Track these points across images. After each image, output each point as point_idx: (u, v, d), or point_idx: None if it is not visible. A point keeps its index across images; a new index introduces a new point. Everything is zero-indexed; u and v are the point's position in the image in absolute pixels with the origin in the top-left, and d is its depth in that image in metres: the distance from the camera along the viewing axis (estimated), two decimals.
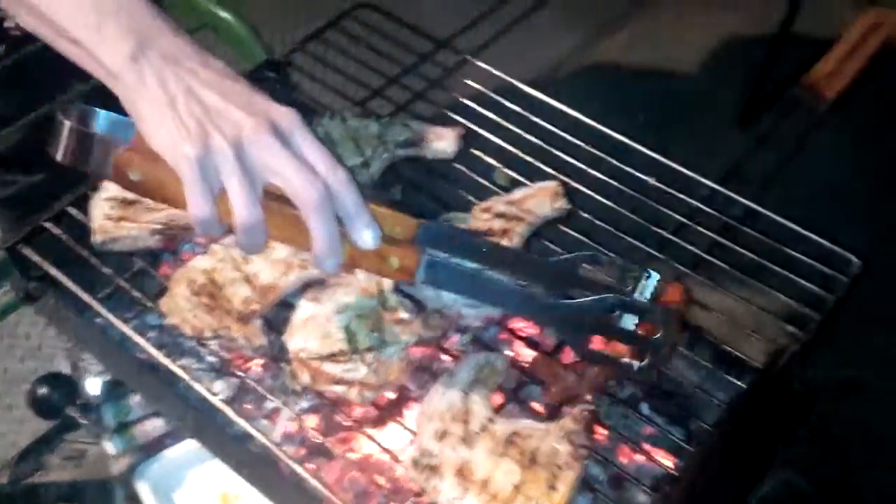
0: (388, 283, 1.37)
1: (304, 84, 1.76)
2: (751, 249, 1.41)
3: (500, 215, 1.46)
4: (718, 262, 1.41)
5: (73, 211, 1.52)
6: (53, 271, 1.44)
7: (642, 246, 1.44)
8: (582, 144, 1.56)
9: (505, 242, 1.41)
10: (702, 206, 1.48)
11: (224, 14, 1.83)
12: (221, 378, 1.47)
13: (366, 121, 1.61)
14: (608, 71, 2.66)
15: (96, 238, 1.47)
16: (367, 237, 1.06)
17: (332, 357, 1.30)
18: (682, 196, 1.49)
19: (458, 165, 1.58)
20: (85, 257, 1.46)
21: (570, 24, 2.82)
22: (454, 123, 1.62)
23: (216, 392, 1.37)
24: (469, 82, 1.70)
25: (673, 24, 2.84)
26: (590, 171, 1.54)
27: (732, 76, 2.59)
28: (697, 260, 1.42)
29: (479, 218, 1.46)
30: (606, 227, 1.47)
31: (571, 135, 1.58)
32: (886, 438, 2.00)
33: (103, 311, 1.40)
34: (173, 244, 1.48)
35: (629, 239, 1.45)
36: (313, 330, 1.33)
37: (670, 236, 1.46)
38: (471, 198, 1.52)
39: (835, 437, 1.78)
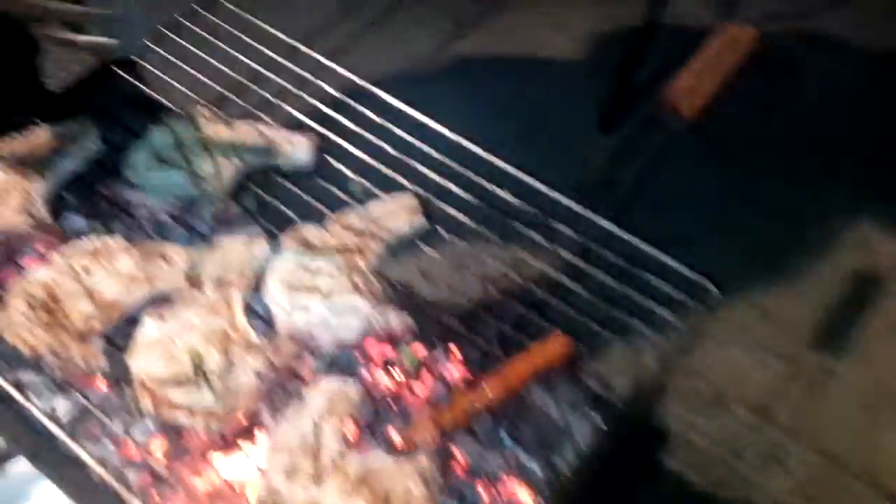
0: (237, 302, 1.34)
1: (155, 80, 1.69)
2: (610, 272, 1.43)
3: (356, 231, 1.44)
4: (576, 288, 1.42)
5: None
6: None
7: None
8: (440, 157, 1.55)
9: (359, 260, 1.40)
10: (562, 226, 1.49)
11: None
12: (64, 395, 1.41)
13: (217, 125, 1.55)
14: (468, 73, 2.64)
15: None
16: None
17: (176, 382, 1.26)
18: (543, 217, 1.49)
19: (313, 175, 1.55)
20: None
21: (429, 23, 2.78)
22: (310, 131, 1.59)
23: (56, 412, 1.31)
24: (325, 87, 1.66)
25: (533, 25, 2.85)
26: (448, 184, 1.53)
27: (595, 80, 2.63)
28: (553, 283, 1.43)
29: (335, 232, 1.44)
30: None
31: (430, 145, 1.57)
32: None
33: None
34: (11, 256, 1.40)
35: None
36: (157, 351, 1.29)
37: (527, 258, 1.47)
38: (326, 210, 1.50)
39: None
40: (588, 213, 1.50)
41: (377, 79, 1.67)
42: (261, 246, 1.40)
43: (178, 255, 1.39)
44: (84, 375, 1.33)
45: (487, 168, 1.55)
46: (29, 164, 1.47)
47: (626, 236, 1.47)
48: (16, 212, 1.41)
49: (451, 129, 1.59)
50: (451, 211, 1.50)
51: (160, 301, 1.36)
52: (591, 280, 1.43)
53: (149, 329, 1.31)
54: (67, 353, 1.28)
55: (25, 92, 2.44)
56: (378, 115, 1.61)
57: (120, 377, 1.30)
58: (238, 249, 1.40)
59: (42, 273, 1.35)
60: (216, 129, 1.55)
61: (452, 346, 1.38)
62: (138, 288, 1.35)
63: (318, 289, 1.36)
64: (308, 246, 1.41)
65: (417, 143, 1.57)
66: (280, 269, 1.38)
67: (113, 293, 1.34)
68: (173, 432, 1.29)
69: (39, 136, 1.52)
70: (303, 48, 1.73)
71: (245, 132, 1.55)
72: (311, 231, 1.44)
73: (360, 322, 1.34)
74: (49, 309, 1.31)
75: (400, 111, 1.62)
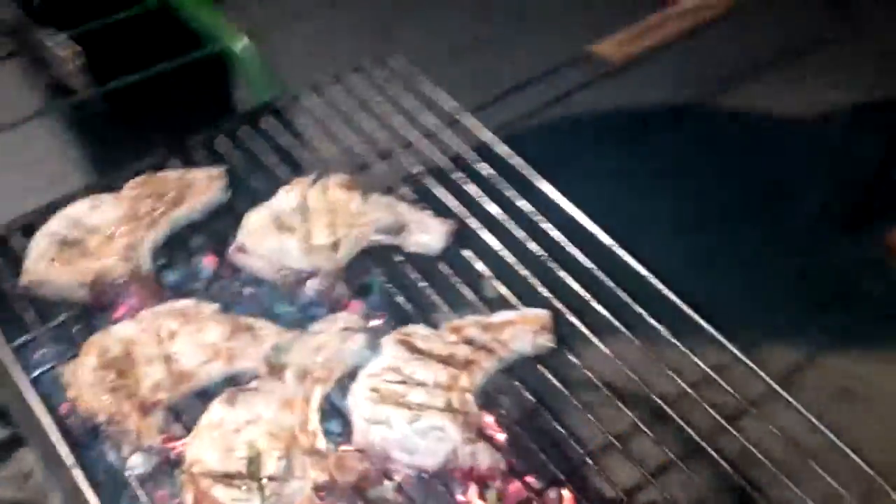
0: (315, 400, 1.18)
1: (307, 131, 1.58)
2: None
3: (469, 342, 1.24)
4: None
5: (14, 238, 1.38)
6: None
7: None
8: (591, 266, 1.32)
9: (464, 379, 1.19)
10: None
11: (242, 42, 1.66)
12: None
13: (351, 194, 1.41)
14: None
15: (22, 279, 1.32)
16: None
17: (226, 478, 1.11)
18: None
19: (442, 264, 1.37)
20: (13, 294, 1.32)
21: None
22: (449, 215, 1.41)
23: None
24: (483, 167, 1.48)
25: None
26: (592, 302, 1.30)
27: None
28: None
29: (446, 339, 1.25)
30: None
31: (584, 250, 1.35)
32: None
33: (10, 365, 1.25)
34: (101, 301, 1.31)
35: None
36: (216, 439, 1.15)
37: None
38: (446, 307, 1.31)
39: None
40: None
41: (539, 165, 1.47)
42: (358, 340, 1.24)
43: (267, 335, 1.25)
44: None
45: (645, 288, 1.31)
46: (148, 208, 1.39)
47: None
48: (119, 258, 1.32)
49: (609, 234, 1.37)
50: (584, 329, 1.28)
51: (240, 382, 1.22)
52: None
53: (214, 414, 1.17)
54: (124, 424, 1.16)
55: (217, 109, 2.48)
56: (531, 202, 1.41)
57: (170, 461, 1.18)
58: (332, 339, 1.23)
59: (125, 329, 1.25)
60: (348, 199, 1.40)
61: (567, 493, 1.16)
62: (218, 362, 1.22)
63: (407, 403, 1.17)
64: (412, 349, 1.23)
65: (569, 247, 1.36)
66: (372, 372, 1.21)
67: (191, 364, 1.22)
68: None
69: (168, 177, 1.44)
70: (468, 120, 1.56)
71: (378, 206, 1.40)
72: (419, 333, 1.26)
73: (446, 451, 1.13)
74: (120, 370, 1.21)
75: (554, 203, 1.42)
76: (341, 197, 1.40)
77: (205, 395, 1.22)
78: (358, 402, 1.18)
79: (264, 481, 1.10)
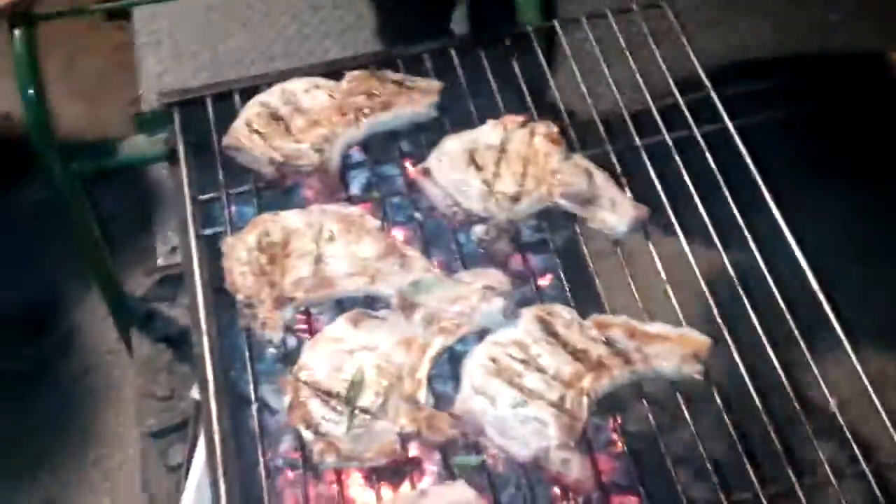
0: (433, 351, 1.15)
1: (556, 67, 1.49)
2: None
3: (610, 343, 1.15)
4: None
5: (236, 98, 1.44)
6: (180, 151, 1.39)
7: None
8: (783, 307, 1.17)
9: (587, 381, 1.11)
10: None
11: None
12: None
13: (553, 147, 1.32)
14: None
15: (225, 139, 1.37)
16: None
17: (325, 394, 1.12)
18: None
19: (619, 250, 1.26)
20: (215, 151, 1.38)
21: None
22: (646, 200, 1.29)
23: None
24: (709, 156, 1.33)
25: None
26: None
27: None
28: None
29: (588, 331, 1.16)
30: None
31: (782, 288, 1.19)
32: None
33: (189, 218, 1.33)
34: (284, 181, 1.34)
35: None
36: (330, 354, 1.15)
37: None
38: (603, 297, 1.22)
39: None
40: None
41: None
42: (496, 303, 1.18)
43: (416, 266, 1.22)
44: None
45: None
46: (357, 105, 1.38)
47: None
48: (313, 146, 1.34)
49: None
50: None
51: (373, 303, 1.22)
52: None
53: (337, 329, 1.18)
54: (257, 310, 1.20)
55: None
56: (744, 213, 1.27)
57: (283, 357, 1.21)
58: (472, 294, 1.18)
59: (292, 218, 1.27)
60: (548, 152, 1.32)
61: None
62: (363, 278, 1.22)
63: (519, 385, 1.11)
64: (548, 330, 1.16)
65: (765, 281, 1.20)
66: (498, 340, 1.15)
67: (337, 271, 1.23)
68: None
69: (386, 78, 1.42)
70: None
71: (575, 170, 1.31)
72: (562, 316, 1.18)
73: (539, 447, 1.07)
74: (273, 255, 1.24)
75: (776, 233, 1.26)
76: (543, 148, 1.32)
77: (340, 306, 1.23)
78: (472, 368, 1.14)
79: (356, 412, 1.10)
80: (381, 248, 1.25)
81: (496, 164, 1.31)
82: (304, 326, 1.25)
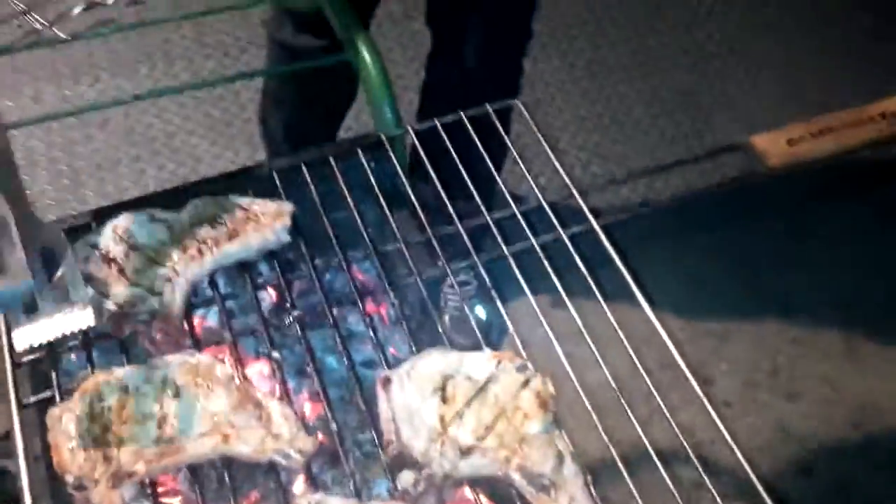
0: None
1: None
2: None
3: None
4: None
5: None
6: None
7: None
8: None
9: None
10: None
11: (367, 51, 1.46)
12: None
13: (538, 412, 1.10)
14: None
15: None
16: None
17: None
18: None
19: None
20: None
21: None
22: None
23: None
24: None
25: None
26: None
27: None
28: None
29: None
30: None
31: None
32: None
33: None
34: (121, 331, 1.18)
35: None
36: None
37: None
38: None
39: None
40: None
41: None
42: None
43: (276, 417, 1.08)
44: None
45: None
46: (199, 237, 1.24)
47: None
48: (148, 289, 1.19)
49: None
50: None
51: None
52: None
53: None
54: (89, 493, 1.02)
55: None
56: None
57: None
58: None
59: (130, 375, 1.11)
60: (527, 413, 1.10)
61: None
62: (213, 437, 1.06)
63: None
64: None
65: None
66: None
67: (186, 431, 1.07)
68: None
69: (231, 204, 1.29)
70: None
71: (547, 447, 1.08)
72: None
73: None
74: (106, 424, 1.07)
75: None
76: (527, 406, 1.10)
77: (193, 469, 1.06)
78: None
79: None
80: (234, 399, 1.09)
81: (466, 403, 1.11)
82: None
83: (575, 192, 1.31)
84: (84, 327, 1.04)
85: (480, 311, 1.67)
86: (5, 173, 1.05)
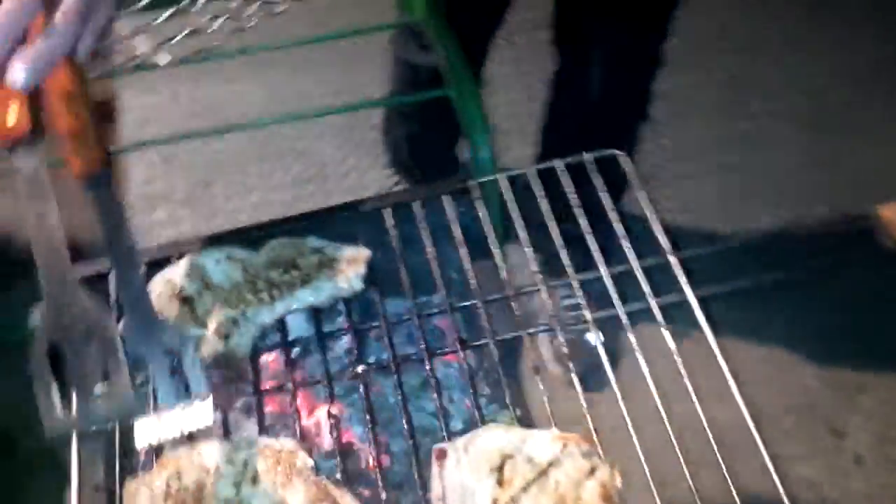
0: None
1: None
2: None
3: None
4: None
5: None
6: None
7: None
8: None
9: None
10: None
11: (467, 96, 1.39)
12: None
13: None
14: None
15: None
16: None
17: None
18: None
19: None
20: None
21: None
22: None
23: None
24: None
25: None
26: None
27: None
28: None
29: None
30: None
31: None
32: None
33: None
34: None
35: None
36: None
37: None
38: None
39: None
40: None
41: None
42: None
43: None
44: None
45: None
46: (271, 279, 1.21)
47: None
48: (216, 331, 1.16)
49: None
50: None
51: None
52: None
53: None
54: None
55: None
56: None
57: None
58: None
59: (210, 454, 1.09)
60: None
61: None
62: None
63: None
64: None
65: None
66: None
67: None
68: None
69: (307, 247, 1.25)
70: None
71: None
72: None
73: None
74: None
75: None
76: (590, 499, 1.02)
77: None
78: None
79: None
80: (311, 494, 1.06)
81: (523, 488, 1.04)
82: None
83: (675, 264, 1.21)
84: (202, 427, 0.99)
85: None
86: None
